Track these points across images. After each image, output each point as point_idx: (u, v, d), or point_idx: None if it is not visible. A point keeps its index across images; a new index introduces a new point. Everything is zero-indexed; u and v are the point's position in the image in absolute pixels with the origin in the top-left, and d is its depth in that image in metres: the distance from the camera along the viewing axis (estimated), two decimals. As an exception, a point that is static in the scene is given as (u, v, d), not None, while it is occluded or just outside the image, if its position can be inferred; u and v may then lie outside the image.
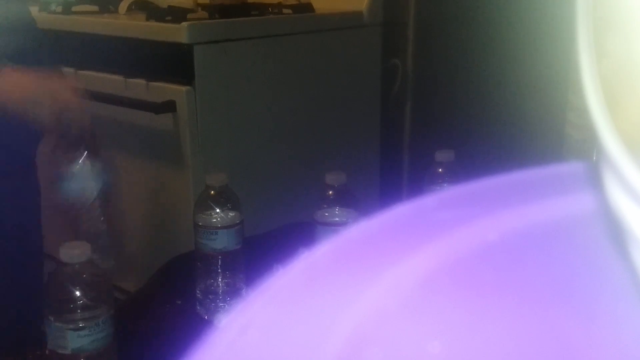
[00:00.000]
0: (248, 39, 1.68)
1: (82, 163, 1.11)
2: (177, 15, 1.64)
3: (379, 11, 1.90)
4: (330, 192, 1.11)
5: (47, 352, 0.85)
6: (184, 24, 1.57)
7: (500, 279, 0.24)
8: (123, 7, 1.86)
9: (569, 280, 0.23)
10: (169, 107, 1.61)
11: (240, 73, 1.67)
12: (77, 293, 0.84)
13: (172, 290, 1.15)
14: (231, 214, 1.08)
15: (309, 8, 1.85)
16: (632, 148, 0.17)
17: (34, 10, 1.56)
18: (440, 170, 1.16)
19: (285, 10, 1.84)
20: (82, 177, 1.12)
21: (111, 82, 1.66)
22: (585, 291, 0.23)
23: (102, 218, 1.17)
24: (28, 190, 1.27)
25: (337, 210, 1.10)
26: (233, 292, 1.09)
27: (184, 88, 1.59)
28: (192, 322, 1.01)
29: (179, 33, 1.57)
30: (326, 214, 1.10)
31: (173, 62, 1.63)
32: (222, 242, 1.07)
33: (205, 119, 1.63)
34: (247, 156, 1.72)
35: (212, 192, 1.08)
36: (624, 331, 0.20)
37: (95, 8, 1.88)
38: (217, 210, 1.08)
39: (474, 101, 1.79)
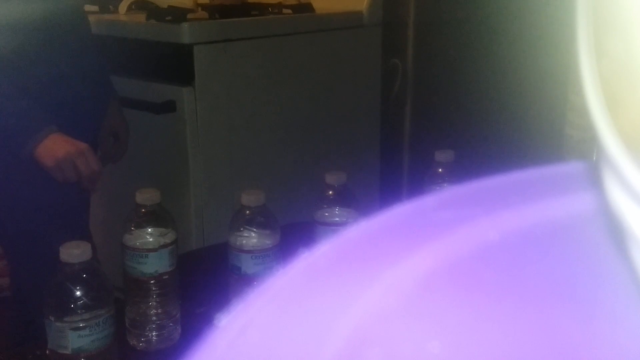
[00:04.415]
0: (248, 39, 1.68)
1: None
2: (177, 15, 1.64)
3: (379, 11, 1.90)
4: (330, 192, 1.09)
5: (47, 352, 0.85)
6: (184, 24, 1.57)
7: (500, 279, 0.24)
8: (123, 7, 1.86)
9: (569, 280, 0.23)
10: (169, 107, 1.61)
11: (240, 73, 1.67)
12: (78, 293, 0.84)
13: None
14: (164, 234, 0.97)
15: (309, 8, 1.85)
16: (632, 148, 0.17)
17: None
18: (440, 170, 1.16)
19: (285, 10, 1.84)
20: None
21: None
22: (585, 291, 0.23)
23: None
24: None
25: (337, 210, 1.09)
26: (167, 321, 0.99)
27: (184, 88, 1.59)
28: (193, 322, 1.01)
29: (179, 33, 1.57)
30: (326, 214, 1.09)
31: (173, 62, 1.63)
32: (153, 265, 0.96)
33: (205, 119, 1.63)
34: (247, 156, 1.72)
35: (143, 210, 0.97)
36: (624, 331, 0.20)
37: (95, 8, 1.88)
38: (149, 230, 0.97)
39: (474, 101, 1.79)
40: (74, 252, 0.83)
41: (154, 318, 0.98)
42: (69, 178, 1.25)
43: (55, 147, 1.23)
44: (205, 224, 1.66)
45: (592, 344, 0.20)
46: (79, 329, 0.83)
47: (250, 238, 1.01)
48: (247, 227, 1.02)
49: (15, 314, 1.34)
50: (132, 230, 0.97)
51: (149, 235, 0.97)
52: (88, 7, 1.90)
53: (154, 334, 0.98)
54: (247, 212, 1.02)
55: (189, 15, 1.65)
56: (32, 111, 1.24)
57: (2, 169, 1.25)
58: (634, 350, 0.20)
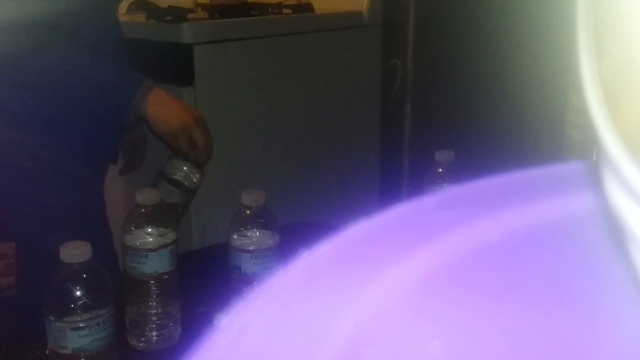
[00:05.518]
0: (248, 39, 1.68)
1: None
2: (177, 15, 1.64)
3: (379, 11, 1.90)
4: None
5: (47, 352, 0.85)
6: (184, 24, 1.57)
7: (500, 279, 0.24)
8: (123, 7, 1.86)
9: (569, 280, 0.23)
10: (169, 107, 1.60)
11: (240, 73, 1.67)
12: (78, 293, 0.84)
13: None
14: (164, 234, 0.97)
15: (309, 8, 1.85)
16: (632, 148, 0.17)
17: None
18: (440, 170, 1.16)
19: (285, 10, 1.84)
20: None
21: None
22: (585, 291, 0.23)
23: None
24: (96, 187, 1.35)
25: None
26: (167, 321, 0.99)
27: (184, 88, 1.59)
28: (193, 322, 1.01)
29: (179, 33, 1.57)
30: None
31: (173, 62, 1.62)
32: (153, 265, 0.96)
33: (205, 119, 1.62)
34: (247, 156, 1.72)
35: (143, 210, 0.97)
36: (624, 331, 0.20)
37: (95, 8, 1.88)
38: (149, 230, 0.97)
39: (474, 101, 1.79)
40: (74, 252, 0.83)
41: (154, 318, 0.98)
42: (184, 149, 1.22)
43: (169, 115, 1.20)
44: (205, 224, 1.66)
45: (592, 344, 0.20)
46: (79, 329, 0.83)
47: (250, 238, 1.01)
48: (247, 227, 1.01)
49: (18, 314, 1.34)
50: (132, 230, 0.97)
51: (149, 235, 0.97)
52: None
53: (154, 334, 0.98)
54: (247, 212, 1.01)
55: (189, 15, 1.65)
56: (126, 70, 1.21)
57: (16, 170, 1.23)
58: (634, 350, 0.20)
